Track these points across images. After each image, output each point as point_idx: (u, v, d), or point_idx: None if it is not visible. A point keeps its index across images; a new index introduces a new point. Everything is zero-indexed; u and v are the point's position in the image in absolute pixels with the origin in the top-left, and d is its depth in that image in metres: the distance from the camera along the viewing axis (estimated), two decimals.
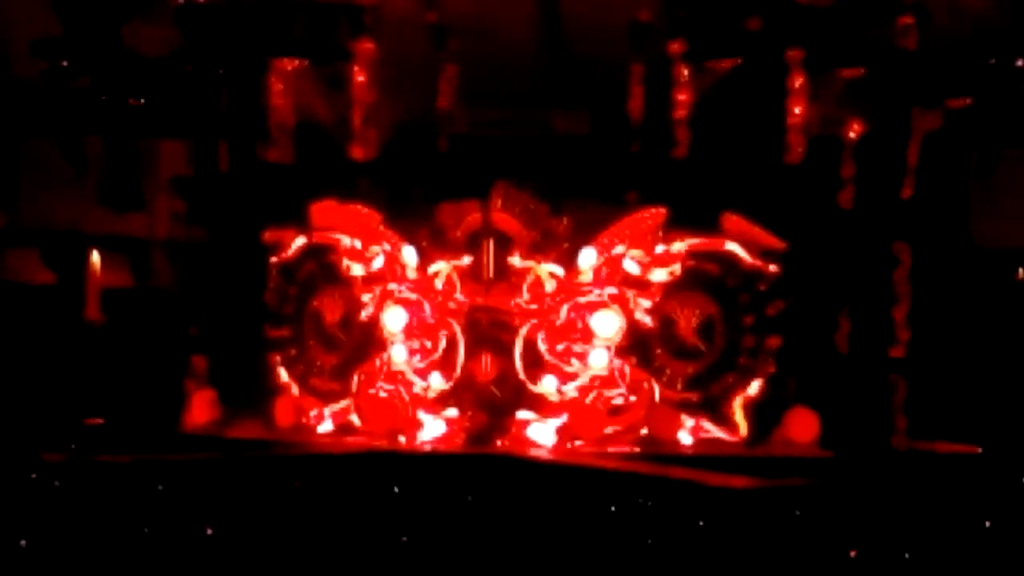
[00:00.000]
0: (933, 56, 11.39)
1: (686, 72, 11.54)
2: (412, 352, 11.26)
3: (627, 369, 11.04)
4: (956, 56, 11.63)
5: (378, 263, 11.46)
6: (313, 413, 11.69)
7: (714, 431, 11.09)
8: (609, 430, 10.96)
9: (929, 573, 7.61)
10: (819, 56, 11.36)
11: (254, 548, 7.88)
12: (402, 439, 11.12)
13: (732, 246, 11.11)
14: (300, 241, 11.89)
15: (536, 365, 11.09)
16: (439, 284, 11.29)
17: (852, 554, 7.51)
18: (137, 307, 13.26)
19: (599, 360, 11.01)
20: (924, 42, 11.22)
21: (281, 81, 11.81)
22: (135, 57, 12.20)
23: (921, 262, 11.47)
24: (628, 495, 8.53)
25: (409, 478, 8.94)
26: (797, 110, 11.29)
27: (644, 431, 10.99)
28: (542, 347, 11.07)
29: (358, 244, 11.57)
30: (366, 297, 11.48)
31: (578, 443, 10.90)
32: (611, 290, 11.05)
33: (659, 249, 11.08)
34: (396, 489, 8.65)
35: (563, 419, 10.98)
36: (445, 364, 11.20)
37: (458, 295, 11.25)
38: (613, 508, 8.33)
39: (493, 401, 11.08)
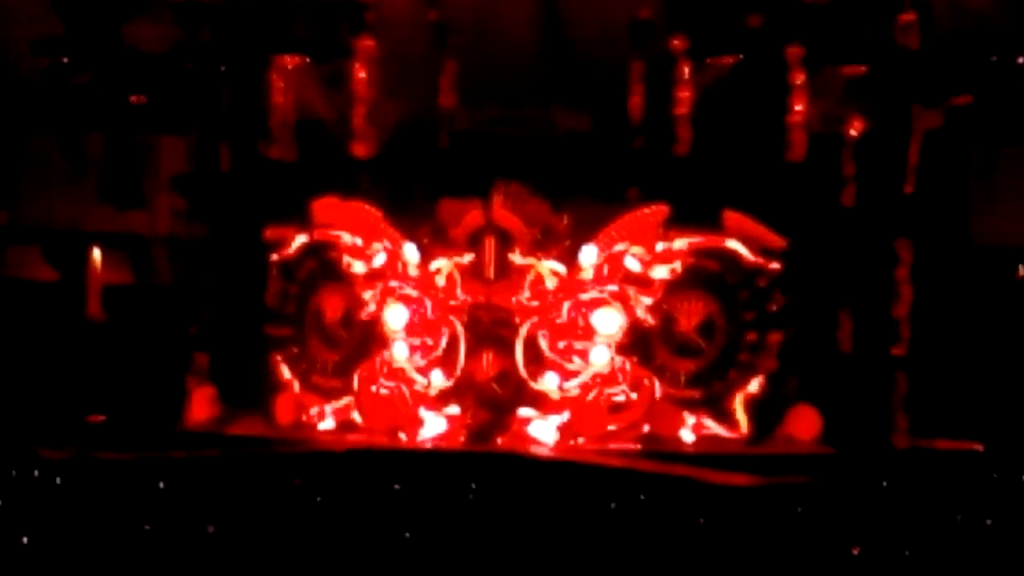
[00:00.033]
0: (934, 54, 11.38)
1: (687, 69, 11.53)
2: (413, 349, 11.27)
3: (628, 366, 11.04)
4: (957, 54, 11.62)
5: (379, 260, 11.47)
6: (314, 410, 11.70)
7: (715, 428, 11.10)
8: (611, 427, 10.97)
9: (931, 570, 7.60)
10: (820, 54, 11.37)
11: (255, 545, 7.87)
12: (403, 436, 11.13)
13: (733, 243, 11.12)
14: (301, 239, 11.90)
15: (537, 362, 11.10)
16: (440, 281, 11.30)
17: (854, 551, 7.50)
18: (138, 304, 13.25)
19: (600, 357, 11.01)
20: (925, 40, 11.22)
21: (282, 78, 11.81)
22: (136, 55, 12.20)
23: (922, 260, 11.47)
24: (629, 492, 8.53)
25: (410, 475, 8.94)
26: (798, 108, 11.30)
27: (646, 428, 11.00)
28: (543, 344, 11.08)
29: (359, 241, 11.58)
30: (367, 294, 11.48)
31: (580, 440, 10.90)
32: (612, 287, 11.06)
33: (660, 246, 11.09)
34: (397, 486, 8.65)
35: (564, 416, 10.99)
36: (446, 361, 11.21)
37: (459, 292, 11.26)
38: (614, 505, 8.32)
39: (494, 398, 11.09)
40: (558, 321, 11.08)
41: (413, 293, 11.29)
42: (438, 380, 11.19)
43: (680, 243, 11.10)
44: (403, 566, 7.72)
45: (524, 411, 11.01)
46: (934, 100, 11.84)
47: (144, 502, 8.28)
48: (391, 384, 11.27)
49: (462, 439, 10.94)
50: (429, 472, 9.39)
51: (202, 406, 11.90)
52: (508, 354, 11.09)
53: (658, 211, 11.12)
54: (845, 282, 11.74)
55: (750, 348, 11.11)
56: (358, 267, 11.56)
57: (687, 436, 11.03)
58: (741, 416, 11.07)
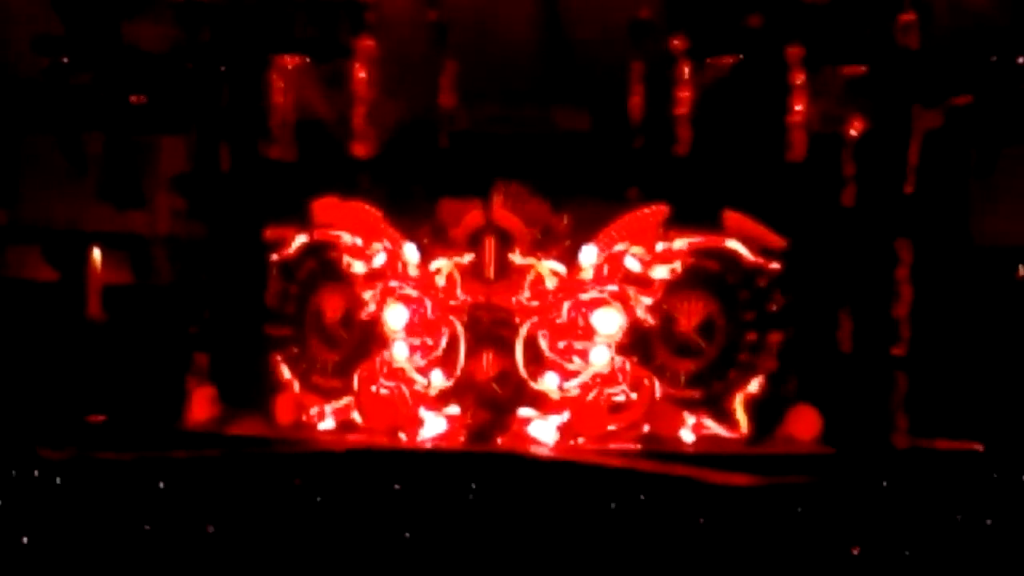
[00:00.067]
0: (934, 54, 11.38)
1: (687, 69, 11.53)
2: (413, 349, 11.27)
3: (628, 366, 11.04)
4: (957, 54, 11.62)
5: (379, 260, 11.47)
6: (314, 410, 11.70)
7: (715, 428, 11.09)
8: (611, 427, 10.97)
9: (931, 570, 7.60)
10: (820, 53, 11.37)
11: (256, 545, 7.87)
12: (403, 436, 11.13)
13: (733, 243, 11.12)
14: (301, 239, 11.90)
15: (537, 362, 11.10)
16: (440, 281, 11.30)
17: (854, 551, 7.50)
18: (138, 304, 13.25)
19: (600, 357, 11.01)
20: (925, 40, 11.21)
21: (282, 78, 11.81)
22: (136, 54, 12.20)
23: (922, 260, 11.46)
24: (629, 492, 8.53)
25: (410, 475, 8.94)
26: (798, 108, 11.30)
27: (646, 428, 11.00)
28: (543, 344, 11.08)
29: (359, 241, 11.58)
30: (367, 294, 11.49)
31: (580, 440, 10.90)
32: (612, 287, 11.06)
33: (660, 246, 11.09)
34: (397, 486, 8.65)
35: (564, 416, 10.99)
36: (446, 361, 11.21)
37: (459, 292, 11.26)
38: (614, 505, 8.32)
39: (494, 399, 11.09)
40: (558, 321, 11.08)
41: (413, 293, 11.30)
42: (438, 380, 11.19)
43: (680, 243, 11.10)
44: (403, 566, 7.72)
45: (524, 411, 11.01)
46: (934, 100, 11.84)
47: (144, 502, 8.28)
48: (391, 384, 11.27)
49: (462, 439, 10.93)
50: (429, 472, 9.39)
51: (202, 406, 11.90)
52: (508, 354, 11.08)
53: (658, 211, 11.12)
54: (845, 282, 11.73)
55: (750, 348, 11.11)
56: (358, 267, 11.56)
57: (687, 436, 11.03)
58: (741, 416, 11.07)
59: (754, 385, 11.08)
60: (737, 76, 11.61)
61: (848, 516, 8.19)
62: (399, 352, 11.26)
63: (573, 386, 11.04)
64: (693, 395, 11.12)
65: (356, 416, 11.46)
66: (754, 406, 11.09)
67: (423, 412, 11.19)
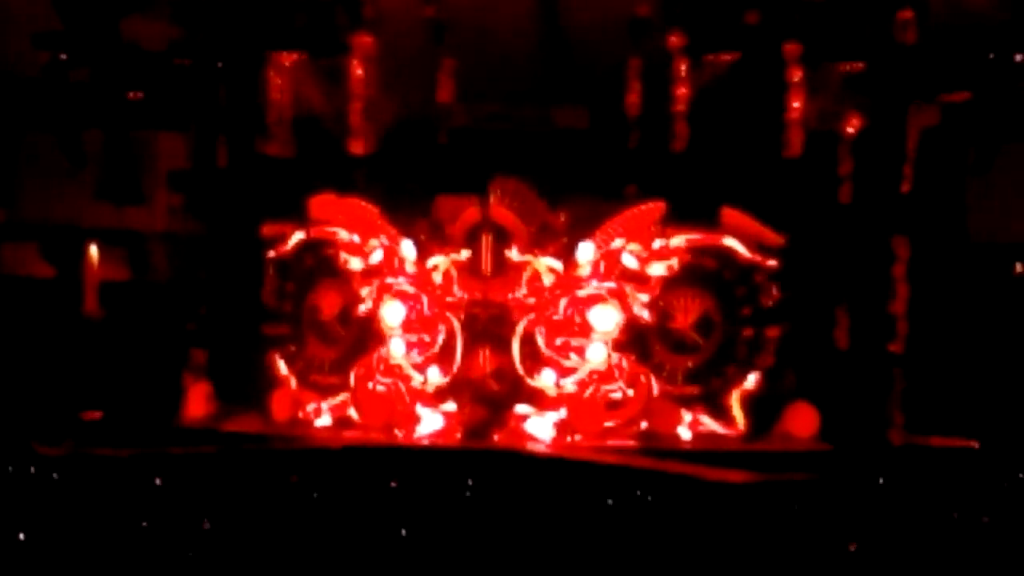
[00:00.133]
0: (931, 51, 11.38)
1: (684, 66, 11.52)
2: (410, 346, 11.27)
3: (625, 363, 11.04)
4: (954, 51, 11.62)
5: (376, 257, 11.47)
6: (311, 407, 11.70)
7: (712, 425, 11.10)
8: (607, 424, 10.97)
9: (927, 566, 7.61)
10: (817, 50, 11.36)
11: (252, 542, 7.87)
12: (400, 433, 11.13)
13: (730, 240, 11.12)
14: (298, 235, 11.90)
15: (534, 359, 11.10)
16: (437, 278, 11.30)
17: (851, 547, 7.51)
18: (135, 300, 13.25)
19: (597, 354, 11.01)
20: (922, 37, 11.21)
21: (280, 75, 11.80)
22: (134, 51, 12.19)
23: (919, 257, 11.46)
24: (626, 489, 8.53)
25: (407, 472, 8.94)
26: (795, 104, 11.30)
27: (644, 425, 11.01)
28: (540, 341, 11.08)
29: (356, 238, 11.58)
30: (364, 291, 11.48)
31: (576, 437, 10.90)
32: (609, 284, 11.06)
33: (657, 243, 11.09)
34: (394, 483, 8.65)
35: (561, 413, 10.99)
36: (443, 358, 11.21)
37: (456, 289, 11.25)
38: (611, 502, 8.32)
39: (491, 395, 11.09)
40: (555, 318, 11.08)
41: (410, 290, 11.30)
42: (435, 377, 11.19)
43: (677, 240, 11.10)
44: (400, 563, 7.72)
45: (521, 408, 11.01)
46: (931, 97, 11.85)
47: (141, 498, 8.28)
48: (388, 381, 11.28)
49: (459, 436, 10.93)
50: (426, 469, 9.38)
51: (199, 402, 11.89)
52: (505, 351, 11.09)
53: (655, 208, 11.12)
54: (842, 279, 11.74)
55: (747, 344, 11.11)
56: (355, 264, 11.56)
57: (684, 433, 11.03)
58: (738, 413, 11.07)
59: (751, 381, 11.09)
60: (735, 73, 11.60)
61: (845, 513, 8.20)
62: (396, 349, 11.26)
63: (570, 383, 11.04)
64: (690, 392, 11.13)
65: (353, 412, 11.46)
66: (751, 403, 11.09)
67: (420, 409, 11.19)
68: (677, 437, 11.02)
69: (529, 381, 11.08)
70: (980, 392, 11.86)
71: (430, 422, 11.13)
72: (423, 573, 7.80)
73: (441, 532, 7.93)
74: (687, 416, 11.07)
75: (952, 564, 7.71)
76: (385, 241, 11.43)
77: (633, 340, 11.10)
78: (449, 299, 11.22)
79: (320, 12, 11.90)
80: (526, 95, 12.68)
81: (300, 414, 11.71)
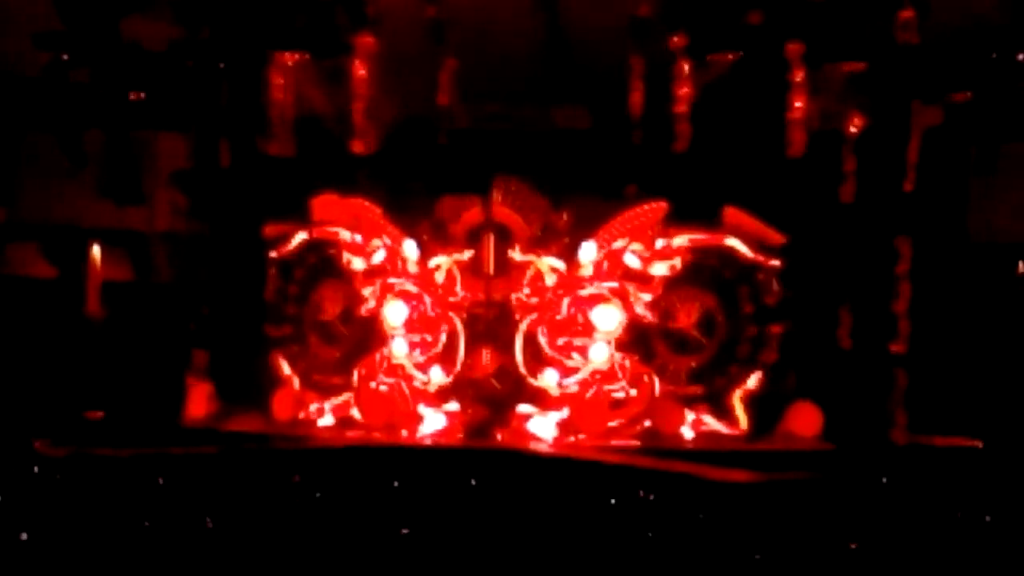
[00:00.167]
0: (934, 51, 11.37)
1: (687, 66, 11.51)
2: (413, 346, 11.26)
3: (627, 363, 11.04)
4: (957, 51, 11.61)
5: (379, 257, 11.47)
6: (313, 407, 11.70)
7: (715, 425, 11.09)
8: (610, 424, 10.96)
9: (930, 566, 7.61)
10: (820, 50, 11.35)
11: (254, 542, 7.87)
12: (403, 433, 11.12)
13: (733, 240, 11.12)
14: (301, 235, 11.90)
15: (537, 359, 11.09)
16: (440, 278, 11.30)
17: (853, 547, 7.51)
18: (137, 301, 13.26)
19: (600, 354, 11.01)
20: (925, 37, 11.20)
21: (281, 75, 11.79)
22: (135, 51, 12.18)
23: (922, 257, 11.46)
24: (628, 489, 8.53)
25: (409, 472, 8.93)
26: (798, 104, 11.27)
27: (647, 424, 11.00)
28: (543, 341, 11.07)
29: (359, 238, 11.59)
30: (367, 291, 11.49)
31: (580, 437, 10.90)
32: (612, 284, 11.05)
33: (660, 243, 11.08)
34: (396, 483, 8.65)
35: (564, 413, 10.98)
36: (446, 358, 11.21)
37: (459, 289, 11.25)
38: (613, 501, 8.32)
39: (493, 395, 11.08)
40: (557, 318, 11.07)
41: (412, 290, 11.30)
42: (437, 376, 11.19)
43: (680, 240, 11.10)
44: (402, 563, 7.73)
45: (523, 408, 11.00)
46: (934, 97, 11.83)
47: (143, 499, 8.28)
48: (390, 380, 11.27)
49: (461, 436, 10.93)
50: (428, 469, 9.38)
51: (200, 402, 11.89)
52: (507, 351, 11.08)
53: (658, 208, 11.12)
54: (844, 279, 11.75)
55: (750, 343, 11.10)
56: (357, 264, 11.56)
57: (687, 433, 11.02)
58: (740, 413, 11.06)
59: (752, 381, 11.08)
60: (737, 73, 11.59)
61: (847, 512, 8.19)
62: (398, 348, 11.26)
63: (572, 383, 11.04)
64: (693, 391, 11.13)
65: (355, 412, 11.45)
66: (754, 402, 11.09)
67: (422, 408, 11.19)
68: (680, 437, 11.02)
69: (532, 381, 11.08)
70: (983, 392, 11.86)
71: (432, 422, 11.12)
72: (426, 573, 7.80)
73: (444, 532, 7.93)
74: (690, 416, 11.07)
75: (955, 564, 7.71)
76: (387, 241, 11.42)
77: (636, 340, 11.10)
78: (451, 299, 11.22)
79: (321, 12, 11.89)
80: (527, 95, 12.66)
81: (302, 414, 11.72)
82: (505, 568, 7.88)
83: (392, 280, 11.36)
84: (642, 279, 11.06)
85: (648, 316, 11.08)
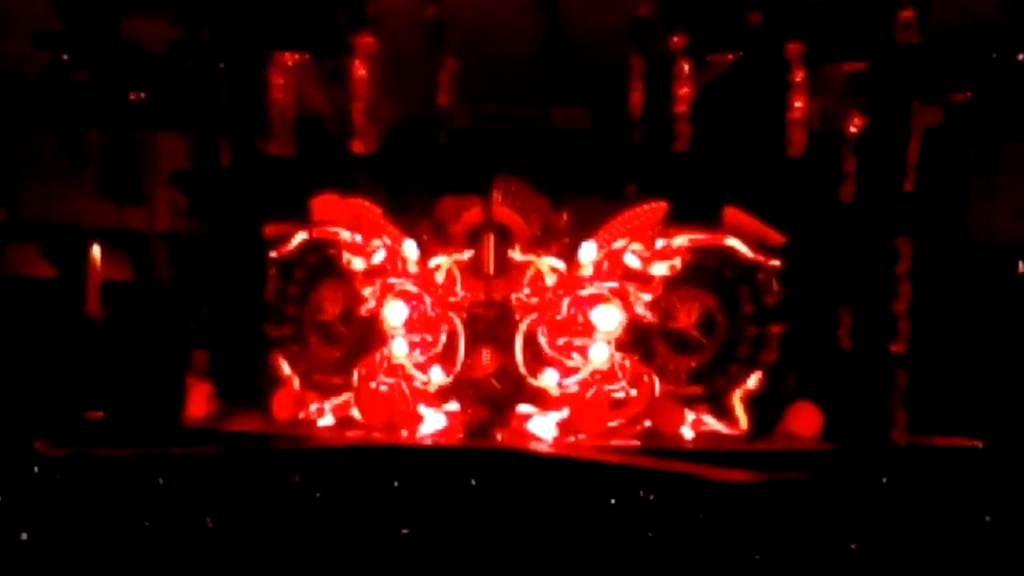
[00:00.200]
0: (934, 51, 11.37)
1: (687, 66, 11.51)
2: (413, 346, 11.26)
3: (627, 363, 11.04)
4: (957, 51, 11.61)
5: (379, 257, 11.47)
6: (313, 407, 11.70)
7: (715, 425, 11.09)
8: (610, 424, 10.96)
9: (930, 566, 7.61)
10: (820, 50, 11.34)
11: (254, 542, 7.87)
12: (403, 433, 11.12)
13: (733, 240, 11.11)
14: (301, 235, 11.90)
15: (537, 359, 11.09)
16: (440, 278, 11.30)
17: (853, 546, 7.51)
18: (137, 301, 13.26)
19: (600, 354, 11.01)
20: (925, 37, 11.20)
21: (281, 75, 11.78)
22: (135, 51, 12.18)
23: (922, 257, 11.46)
24: (628, 489, 8.53)
25: (409, 472, 8.94)
26: (798, 104, 11.27)
27: (647, 424, 11.00)
28: (543, 341, 11.07)
29: (359, 238, 11.58)
30: (367, 291, 11.48)
31: (580, 437, 10.89)
32: (612, 284, 11.05)
33: (660, 243, 11.08)
34: (396, 483, 8.65)
35: (564, 413, 10.98)
36: (446, 358, 11.21)
37: (459, 289, 11.25)
38: (613, 501, 8.32)
39: (493, 395, 11.08)
40: (557, 318, 11.07)
41: (412, 290, 11.29)
42: (437, 376, 11.19)
43: (680, 240, 11.10)
44: (402, 563, 7.72)
45: (523, 407, 11.00)
46: (934, 97, 11.83)
47: (143, 499, 8.28)
48: (390, 380, 11.27)
49: (461, 436, 10.93)
50: (428, 469, 9.38)
51: (200, 402, 11.89)
52: (507, 351, 11.08)
53: (658, 208, 11.12)
54: (845, 279, 11.75)
55: (750, 343, 11.10)
56: (357, 264, 11.56)
57: (687, 433, 11.02)
58: (740, 413, 11.06)
59: (752, 381, 11.08)
60: (737, 73, 11.59)
61: (847, 512, 8.19)
62: (398, 348, 11.26)
63: (572, 383, 11.04)
64: (693, 391, 11.13)
65: (355, 412, 11.45)
66: (754, 402, 11.09)
67: (422, 408, 11.19)
68: (680, 437, 11.02)
69: (532, 381, 11.08)
70: (983, 392, 11.86)
71: (432, 422, 11.12)
72: (426, 573, 7.80)
73: (444, 532, 7.93)
74: (690, 416, 11.07)
75: (955, 564, 7.71)
76: (387, 241, 11.42)
77: (636, 340, 11.10)
78: (451, 299, 11.22)
79: (321, 12, 11.89)
80: (527, 95, 12.66)
81: (302, 414, 11.72)
82: (505, 568, 7.87)
83: (392, 280, 11.36)
84: (642, 279, 11.05)
85: (648, 316, 11.08)
